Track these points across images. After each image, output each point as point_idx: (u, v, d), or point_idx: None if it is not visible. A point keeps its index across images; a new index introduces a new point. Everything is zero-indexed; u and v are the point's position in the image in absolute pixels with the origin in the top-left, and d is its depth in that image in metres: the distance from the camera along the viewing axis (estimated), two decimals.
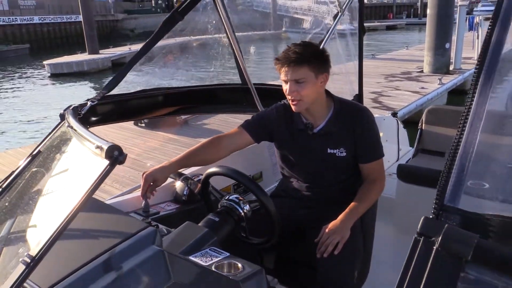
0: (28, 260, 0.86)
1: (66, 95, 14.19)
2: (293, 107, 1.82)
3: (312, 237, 1.78)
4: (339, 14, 2.87)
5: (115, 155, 0.96)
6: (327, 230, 1.73)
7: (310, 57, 1.74)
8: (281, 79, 1.81)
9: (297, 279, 2.00)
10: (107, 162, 0.96)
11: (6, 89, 16.58)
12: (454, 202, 0.56)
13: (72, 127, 1.27)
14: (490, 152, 0.66)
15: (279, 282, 2.02)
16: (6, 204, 1.27)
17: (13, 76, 19.47)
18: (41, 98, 14.35)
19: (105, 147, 0.97)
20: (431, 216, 0.55)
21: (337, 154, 1.88)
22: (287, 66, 1.74)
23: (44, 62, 18.84)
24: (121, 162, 0.97)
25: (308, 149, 1.92)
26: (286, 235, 1.87)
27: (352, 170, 1.95)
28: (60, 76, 17.72)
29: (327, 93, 1.91)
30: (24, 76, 19.46)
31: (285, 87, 1.79)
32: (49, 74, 18.29)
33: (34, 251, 0.88)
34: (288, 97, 1.80)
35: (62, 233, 0.89)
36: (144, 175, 1.74)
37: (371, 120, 1.92)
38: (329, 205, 1.89)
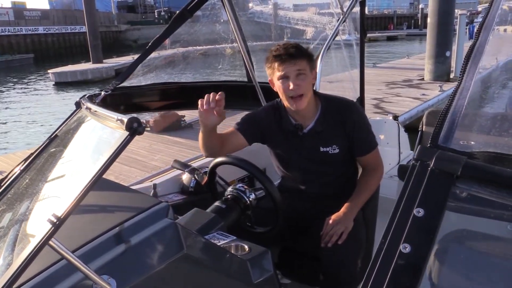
0: (54, 220, 0.92)
1: (70, 102, 14.33)
2: (294, 105, 1.81)
3: (315, 230, 1.82)
4: (342, 16, 2.95)
5: (135, 127, 1.03)
6: (330, 221, 1.77)
7: (305, 52, 1.80)
8: (276, 78, 1.79)
9: (301, 272, 2.05)
10: (127, 133, 1.03)
11: (12, 96, 16.75)
12: (446, 144, 0.64)
13: (90, 109, 1.34)
14: (475, 110, 0.75)
15: (284, 275, 2.07)
16: (27, 181, 1.34)
17: (18, 84, 19.68)
18: (46, 104, 14.50)
19: (125, 119, 1.04)
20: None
21: (329, 152, 1.89)
22: (289, 61, 1.75)
23: (49, 71, 19.05)
24: (140, 133, 1.04)
25: (301, 149, 1.93)
26: (289, 229, 1.91)
27: (348, 164, 1.97)
28: (64, 84, 17.88)
29: (314, 91, 1.92)
30: (29, 84, 19.66)
31: (285, 84, 1.77)
32: (53, 82, 18.47)
33: (59, 212, 0.94)
34: (289, 93, 1.78)
35: (85, 195, 0.96)
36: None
37: (360, 113, 1.93)
38: (330, 200, 1.92)
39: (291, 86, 1.76)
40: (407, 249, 0.58)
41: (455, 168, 0.61)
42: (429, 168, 0.62)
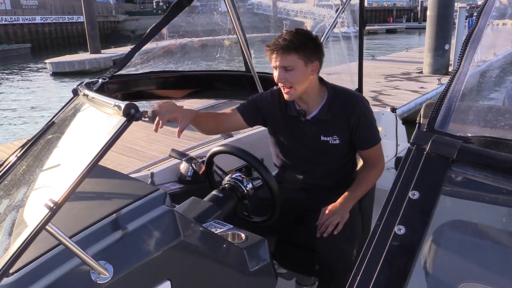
0: (51, 205, 0.93)
1: (68, 93, 14.26)
2: (285, 96, 1.82)
3: (311, 220, 1.82)
4: (341, 7, 2.94)
5: (132, 113, 1.03)
6: (326, 212, 1.77)
7: (299, 45, 1.73)
8: (271, 65, 1.80)
9: (297, 262, 2.06)
10: (124, 118, 1.03)
11: (9, 86, 16.67)
12: (442, 128, 0.64)
13: (87, 96, 1.34)
14: (471, 96, 0.76)
15: (280, 265, 2.09)
16: (24, 167, 1.34)
17: (15, 74, 19.56)
18: (43, 95, 14.43)
19: (123, 105, 1.04)
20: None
21: (330, 142, 1.88)
22: (276, 53, 1.74)
23: (46, 61, 18.93)
24: (138, 118, 1.04)
25: (301, 136, 1.91)
26: (285, 220, 1.90)
27: (347, 157, 1.96)
28: (62, 74, 17.80)
29: (321, 80, 1.90)
30: (26, 74, 19.55)
31: (275, 74, 1.79)
32: (51, 72, 18.38)
33: (56, 197, 0.94)
34: (279, 84, 1.80)
35: (82, 181, 0.96)
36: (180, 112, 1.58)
37: (365, 106, 1.91)
38: (327, 191, 1.91)
39: (277, 79, 1.78)
40: (401, 231, 0.59)
41: (450, 152, 0.62)
42: (425, 152, 0.63)
